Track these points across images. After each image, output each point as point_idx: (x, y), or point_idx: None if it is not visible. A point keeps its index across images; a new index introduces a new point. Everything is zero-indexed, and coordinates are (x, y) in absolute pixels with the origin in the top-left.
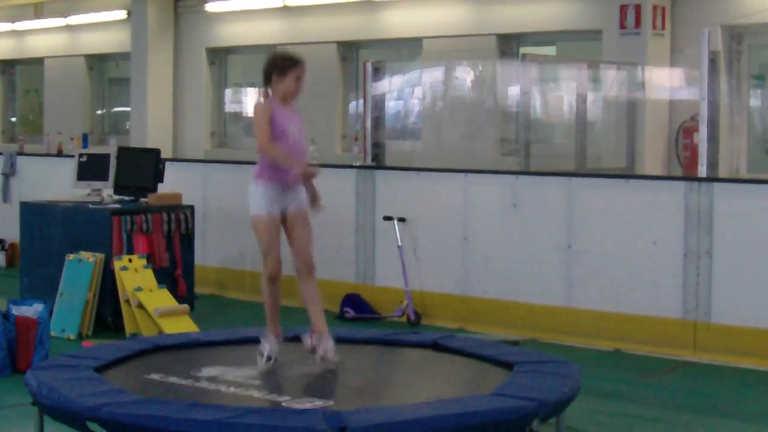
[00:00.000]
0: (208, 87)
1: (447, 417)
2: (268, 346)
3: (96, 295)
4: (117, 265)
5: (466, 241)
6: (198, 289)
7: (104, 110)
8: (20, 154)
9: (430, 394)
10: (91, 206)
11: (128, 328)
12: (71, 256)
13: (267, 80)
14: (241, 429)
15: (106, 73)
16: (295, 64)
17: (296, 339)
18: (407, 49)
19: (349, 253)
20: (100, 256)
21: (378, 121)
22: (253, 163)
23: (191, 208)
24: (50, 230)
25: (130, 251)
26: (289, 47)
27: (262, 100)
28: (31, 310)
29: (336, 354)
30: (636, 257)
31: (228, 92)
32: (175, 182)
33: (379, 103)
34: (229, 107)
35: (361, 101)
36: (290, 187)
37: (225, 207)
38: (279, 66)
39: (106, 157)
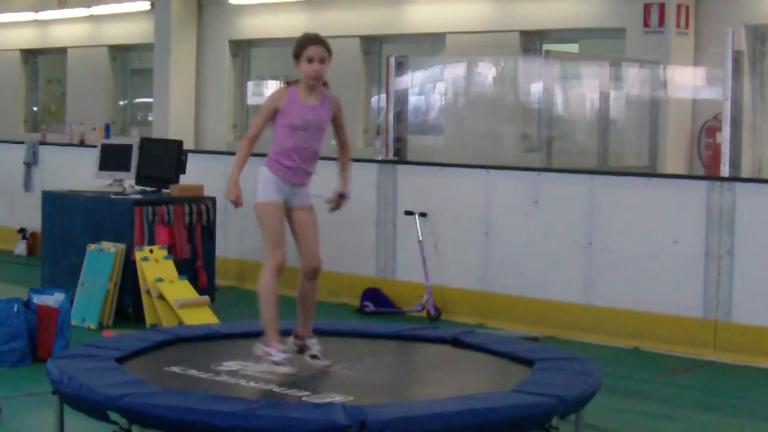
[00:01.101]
0: (231, 79)
1: (467, 412)
2: (277, 353)
3: (117, 285)
4: (138, 255)
5: (487, 236)
6: (218, 281)
7: (126, 101)
8: (42, 143)
9: (450, 390)
10: (113, 196)
11: (148, 319)
12: (92, 246)
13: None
14: (262, 421)
15: (128, 64)
16: (305, 44)
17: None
18: (430, 45)
19: (370, 247)
20: (122, 246)
21: (400, 116)
22: None
23: (213, 199)
24: (72, 220)
25: (152, 242)
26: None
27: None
28: (52, 299)
29: (324, 358)
30: (657, 256)
31: (250, 85)
32: (196, 174)
33: (401, 98)
34: (251, 100)
35: (383, 96)
36: (300, 184)
37: (246, 199)
38: (295, 50)
39: (129, 147)
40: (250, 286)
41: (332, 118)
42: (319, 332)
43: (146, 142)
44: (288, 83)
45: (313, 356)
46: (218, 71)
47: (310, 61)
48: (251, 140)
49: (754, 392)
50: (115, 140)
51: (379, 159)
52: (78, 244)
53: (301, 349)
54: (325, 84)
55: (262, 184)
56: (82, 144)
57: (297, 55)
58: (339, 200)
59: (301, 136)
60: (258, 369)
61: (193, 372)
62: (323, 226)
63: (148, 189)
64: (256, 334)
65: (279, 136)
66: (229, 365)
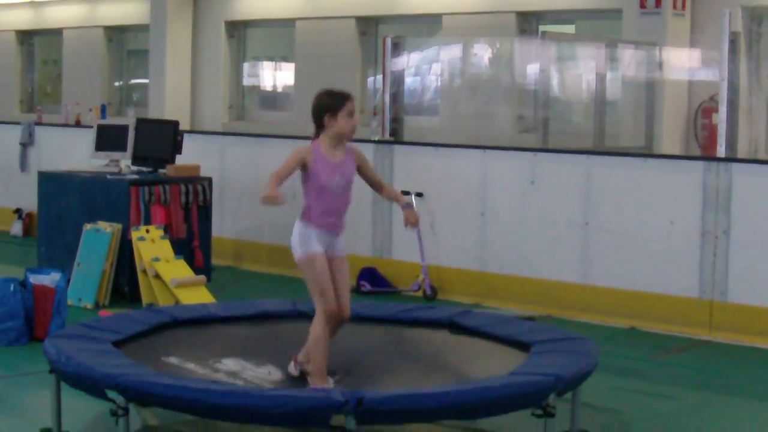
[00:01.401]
0: (227, 60)
1: (464, 392)
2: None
3: (113, 264)
4: (134, 235)
5: (484, 216)
6: (215, 261)
7: (122, 82)
8: (38, 124)
9: (447, 370)
10: (109, 177)
11: (145, 298)
12: (89, 226)
13: (319, 125)
14: (259, 400)
15: (124, 44)
16: (345, 99)
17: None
18: (426, 26)
19: (367, 227)
20: (118, 226)
21: (396, 97)
22: (270, 136)
23: (209, 179)
24: (68, 200)
25: (148, 222)
26: (309, 22)
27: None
28: (49, 278)
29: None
30: (653, 236)
31: (246, 66)
32: (193, 154)
33: (397, 79)
34: (247, 81)
35: (379, 76)
36: (337, 235)
37: (242, 179)
38: (328, 105)
39: (125, 128)
40: (246, 266)
41: (358, 169)
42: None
43: (142, 123)
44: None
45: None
46: (214, 52)
47: (351, 115)
48: (279, 180)
49: (749, 371)
50: (111, 121)
51: (376, 139)
52: (74, 224)
53: (303, 374)
54: None
55: (302, 237)
56: (78, 125)
57: (334, 110)
58: (409, 214)
59: (333, 194)
60: None
61: (190, 365)
62: None
63: (144, 169)
64: (253, 317)
65: (313, 198)
66: (228, 363)
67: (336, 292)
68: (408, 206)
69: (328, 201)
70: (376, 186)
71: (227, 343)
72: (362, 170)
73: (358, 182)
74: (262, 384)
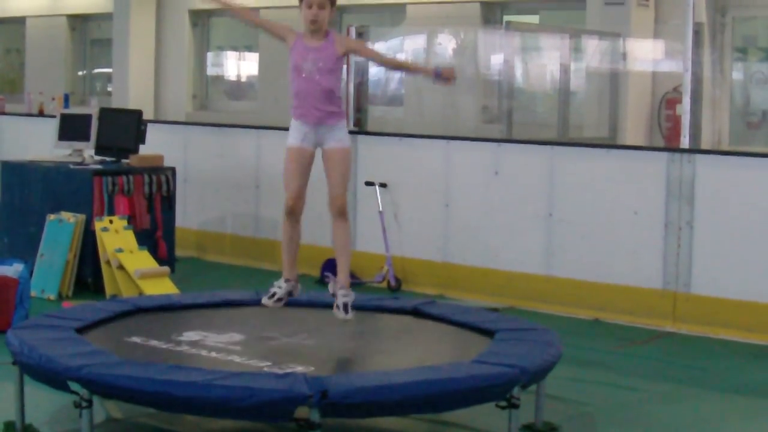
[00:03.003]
0: (191, 49)
1: (428, 383)
2: (279, 286)
3: (76, 255)
4: (98, 226)
5: (448, 207)
6: (178, 252)
7: (86, 71)
8: (0, 113)
9: (412, 361)
10: (72, 166)
11: (108, 290)
12: (52, 217)
13: None
14: (223, 391)
15: (88, 33)
16: None
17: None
18: (391, 15)
19: (330, 218)
20: (81, 216)
21: (361, 87)
22: (234, 126)
23: (173, 170)
24: (31, 190)
25: (111, 212)
26: (273, 11)
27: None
28: (11, 269)
29: (346, 313)
30: (617, 227)
31: (210, 55)
32: (156, 144)
33: (362, 69)
34: (211, 70)
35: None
36: (320, 124)
37: (206, 170)
38: None
39: (88, 117)
40: (210, 257)
41: (352, 53)
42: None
43: (106, 112)
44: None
45: (337, 306)
46: (178, 41)
47: (309, 6)
48: (254, 16)
49: (713, 363)
50: (75, 110)
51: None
52: (37, 215)
53: (334, 295)
54: None
55: (290, 129)
56: (41, 114)
57: (300, 0)
58: (447, 72)
59: (306, 79)
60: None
61: (153, 342)
62: (282, 198)
63: (107, 159)
64: (217, 305)
65: (291, 85)
66: (190, 335)
67: (329, 185)
68: (437, 73)
69: (302, 86)
70: (389, 65)
71: (189, 321)
72: (357, 52)
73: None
74: (226, 349)
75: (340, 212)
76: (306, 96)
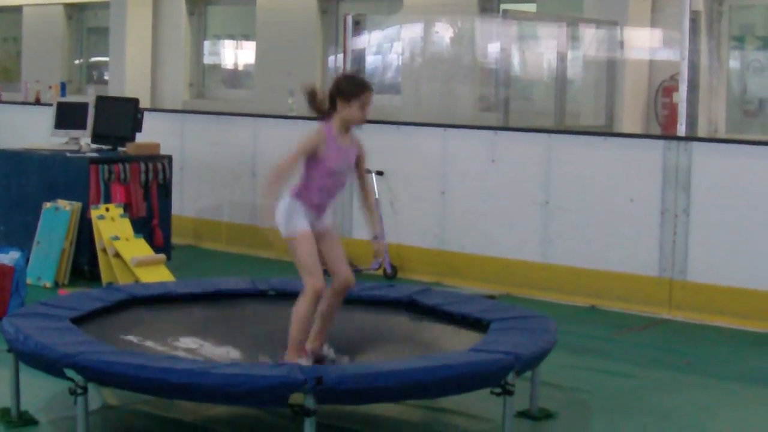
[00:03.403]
0: (187, 38)
1: (423, 370)
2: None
3: (72, 243)
4: (94, 213)
5: (444, 195)
6: (175, 240)
7: (82, 59)
8: None
9: (407, 349)
10: (68, 155)
11: (104, 277)
12: (48, 205)
13: (331, 105)
14: (218, 378)
15: (84, 22)
16: (363, 90)
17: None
18: (387, 4)
19: None
20: (77, 204)
21: (357, 75)
22: (231, 114)
23: (169, 158)
24: (27, 178)
25: (108, 200)
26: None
27: (319, 127)
28: (8, 257)
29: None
30: (613, 214)
31: (207, 43)
32: (153, 132)
33: (358, 57)
34: (207, 59)
35: (340, 55)
36: (325, 212)
37: (202, 158)
38: (344, 90)
39: (85, 105)
40: (206, 245)
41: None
42: (277, 292)
43: (102, 101)
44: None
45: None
46: (175, 30)
47: (363, 107)
48: (283, 175)
49: (709, 350)
50: (72, 98)
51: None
52: (33, 203)
53: (318, 361)
54: None
55: (290, 213)
56: (37, 102)
57: (349, 97)
58: (378, 246)
59: (336, 177)
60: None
61: (149, 343)
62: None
63: (104, 147)
64: (211, 295)
65: (315, 177)
66: (187, 342)
67: (333, 265)
68: (376, 239)
69: (329, 184)
70: (361, 183)
71: (186, 322)
72: (358, 163)
73: None
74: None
75: (353, 284)
76: (331, 194)
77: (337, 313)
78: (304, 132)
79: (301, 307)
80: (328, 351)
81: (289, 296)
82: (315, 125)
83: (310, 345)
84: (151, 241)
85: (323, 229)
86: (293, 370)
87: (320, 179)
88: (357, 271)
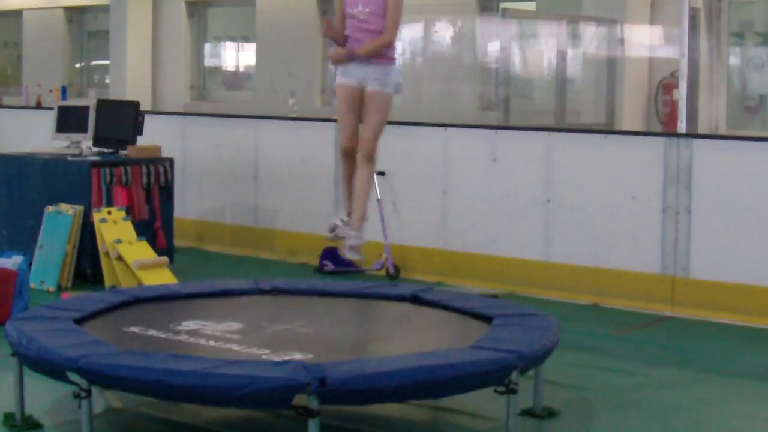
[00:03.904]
0: (188, 40)
1: (426, 369)
2: (342, 219)
3: (75, 247)
4: (96, 217)
5: (446, 195)
6: (177, 242)
7: (83, 63)
8: None
9: (410, 347)
10: (70, 158)
11: (107, 281)
12: (50, 209)
13: None
14: (221, 380)
15: (85, 25)
16: None
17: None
18: None
19: (328, 206)
20: (80, 208)
21: None
22: (231, 116)
23: (170, 160)
24: (29, 182)
25: (110, 203)
26: (269, 1)
27: None
28: (10, 261)
29: (354, 255)
30: (615, 212)
31: (207, 46)
32: (154, 135)
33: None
34: (208, 61)
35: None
36: (361, 60)
37: (204, 160)
38: None
39: (86, 109)
40: (209, 247)
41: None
42: (279, 291)
43: (103, 104)
44: None
45: (345, 247)
46: (175, 32)
47: None
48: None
49: (712, 347)
50: (72, 102)
51: (337, 118)
52: (36, 207)
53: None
54: None
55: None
56: (38, 106)
57: None
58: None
59: (358, 21)
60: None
61: (152, 332)
62: (282, 186)
63: (105, 150)
64: (216, 294)
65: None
66: (188, 325)
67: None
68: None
69: (353, 27)
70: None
71: (187, 310)
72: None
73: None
74: (224, 337)
75: (368, 156)
76: (358, 39)
77: (364, 179)
78: (306, 133)
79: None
80: (349, 240)
81: (291, 296)
82: (314, 126)
83: (351, 216)
84: (153, 243)
85: (368, 90)
86: (296, 371)
87: (347, 26)
88: (359, 272)
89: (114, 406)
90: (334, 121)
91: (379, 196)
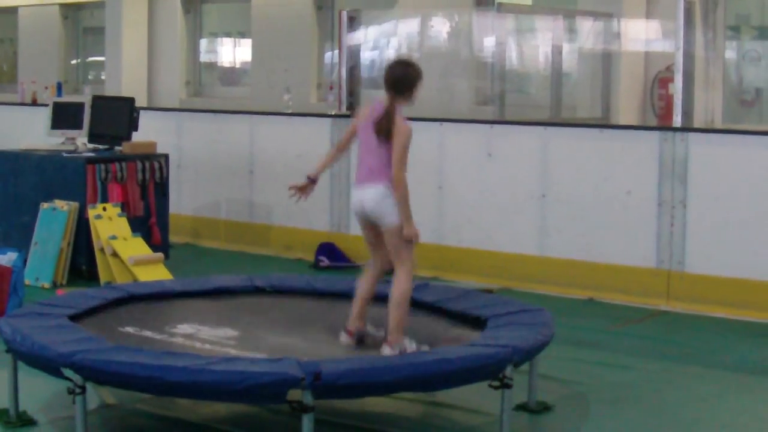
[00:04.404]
0: (183, 36)
1: (421, 364)
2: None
3: (70, 243)
4: (91, 213)
5: (441, 189)
6: (172, 238)
7: (79, 59)
8: None
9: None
10: (65, 155)
11: (102, 277)
12: (45, 205)
13: (408, 93)
14: (215, 376)
15: (80, 22)
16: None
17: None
18: None
19: (324, 201)
20: (75, 204)
21: (353, 71)
22: (227, 112)
23: (166, 156)
24: (24, 179)
25: (105, 200)
26: None
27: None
28: (5, 258)
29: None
30: (610, 207)
31: (203, 41)
32: (149, 131)
33: (354, 53)
34: (204, 57)
35: (336, 51)
36: (364, 185)
37: (199, 156)
38: (418, 77)
39: (81, 105)
40: (205, 243)
41: None
42: (275, 290)
43: (98, 100)
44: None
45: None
46: (170, 28)
47: None
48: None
49: (707, 341)
50: (67, 98)
51: (332, 113)
52: (31, 203)
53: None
54: None
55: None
56: (34, 103)
57: (413, 87)
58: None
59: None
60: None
61: (147, 333)
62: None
63: (100, 147)
64: (211, 292)
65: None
66: (184, 328)
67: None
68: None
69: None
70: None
71: (183, 312)
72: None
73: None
74: (220, 342)
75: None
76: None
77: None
78: (301, 129)
79: (406, 288)
80: (371, 329)
81: (286, 292)
82: (310, 121)
83: (353, 326)
84: (149, 240)
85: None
86: (291, 366)
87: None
88: (355, 267)
89: (108, 402)
90: (330, 116)
91: None
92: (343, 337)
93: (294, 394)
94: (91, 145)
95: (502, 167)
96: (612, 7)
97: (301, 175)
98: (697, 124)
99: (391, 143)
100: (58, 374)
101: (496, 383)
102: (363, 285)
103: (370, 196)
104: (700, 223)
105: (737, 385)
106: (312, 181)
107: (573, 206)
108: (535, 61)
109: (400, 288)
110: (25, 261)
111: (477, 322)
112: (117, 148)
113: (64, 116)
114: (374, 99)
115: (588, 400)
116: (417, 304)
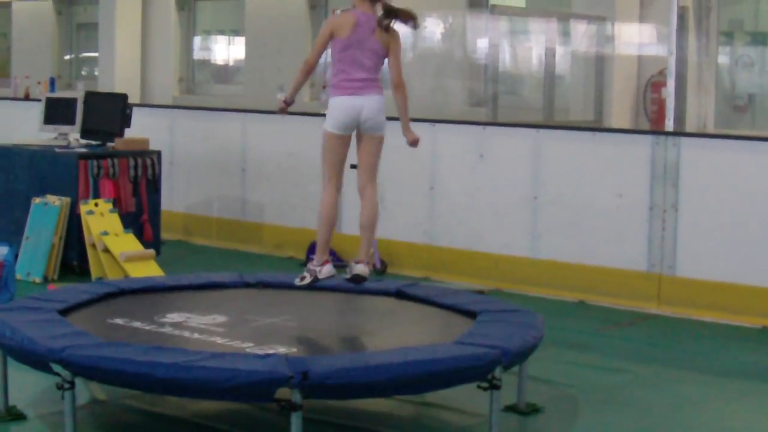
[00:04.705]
0: (177, 33)
1: (409, 364)
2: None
3: (62, 238)
4: (83, 209)
5: (433, 190)
6: (164, 235)
7: (72, 55)
8: None
9: (394, 342)
10: (57, 150)
11: (94, 272)
12: (37, 200)
13: None
14: (203, 373)
15: (74, 17)
16: None
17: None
18: None
19: (315, 200)
20: (67, 199)
21: None
22: (220, 109)
23: (158, 153)
24: (16, 174)
25: (97, 195)
26: None
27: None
28: None
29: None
30: (602, 210)
31: (196, 39)
32: (142, 127)
33: None
34: (197, 54)
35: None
36: (363, 93)
37: (192, 153)
38: None
39: (74, 101)
40: (196, 240)
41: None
42: (266, 285)
43: (91, 96)
44: None
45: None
46: (164, 25)
47: None
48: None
49: (697, 345)
50: (60, 94)
51: (325, 113)
52: (23, 198)
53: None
54: None
55: (329, 112)
56: (26, 98)
57: None
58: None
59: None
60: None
61: (137, 324)
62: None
63: (93, 142)
64: (201, 287)
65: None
66: (173, 317)
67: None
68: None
69: (348, 61)
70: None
71: (172, 302)
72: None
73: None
74: (208, 330)
75: (365, 195)
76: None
77: (368, 221)
78: (293, 127)
79: (321, 206)
80: (356, 267)
81: (276, 289)
82: (302, 122)
83: (326, 256)
84: (140, 236)
85: (367, 134)
86: (279, 365)
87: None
88: (346, 266)
89: (98, 398)
90: (322, 115)
91: None
92: (326, 269)
93: (283, 393)
94: (83, 141)
95: (495, 169)
96: (605, 10)
97: (293, 174)
98: (689, 129)
99: (386, 51)
100: (48, 369)
101: (485, 384)
102: (331, 212)
103: (373, 104)
104: (691, 228)
105: (726, 389)
106: (288, 104)
107: (565, 209)
108: (528, 64)
109: (374, 208)
110: (16, 256)
111: (466, 319)
112: (109, 144)
113: (57, 112)
114: (338, 14)
115: (577, 402)
116: (407, 301)
